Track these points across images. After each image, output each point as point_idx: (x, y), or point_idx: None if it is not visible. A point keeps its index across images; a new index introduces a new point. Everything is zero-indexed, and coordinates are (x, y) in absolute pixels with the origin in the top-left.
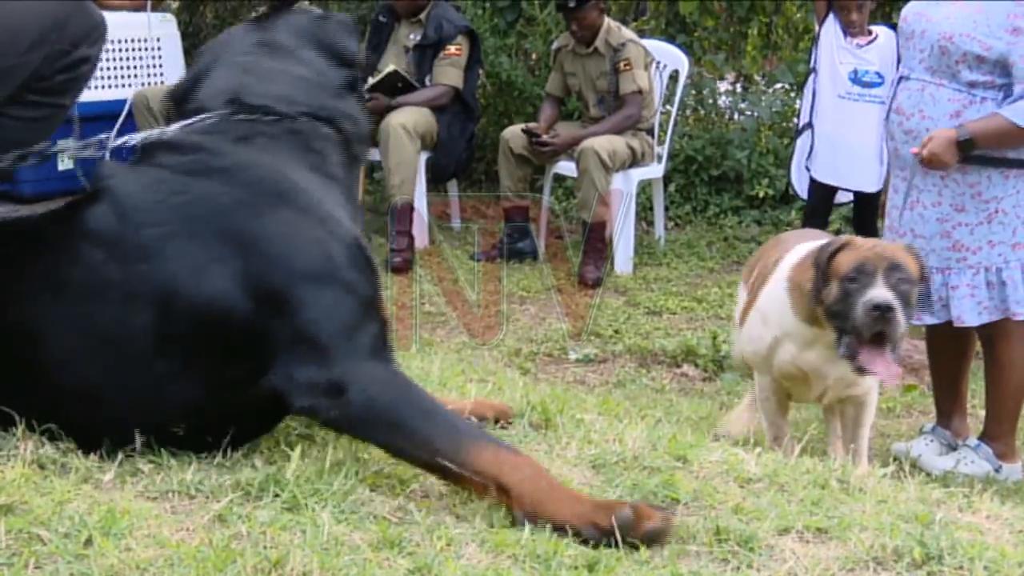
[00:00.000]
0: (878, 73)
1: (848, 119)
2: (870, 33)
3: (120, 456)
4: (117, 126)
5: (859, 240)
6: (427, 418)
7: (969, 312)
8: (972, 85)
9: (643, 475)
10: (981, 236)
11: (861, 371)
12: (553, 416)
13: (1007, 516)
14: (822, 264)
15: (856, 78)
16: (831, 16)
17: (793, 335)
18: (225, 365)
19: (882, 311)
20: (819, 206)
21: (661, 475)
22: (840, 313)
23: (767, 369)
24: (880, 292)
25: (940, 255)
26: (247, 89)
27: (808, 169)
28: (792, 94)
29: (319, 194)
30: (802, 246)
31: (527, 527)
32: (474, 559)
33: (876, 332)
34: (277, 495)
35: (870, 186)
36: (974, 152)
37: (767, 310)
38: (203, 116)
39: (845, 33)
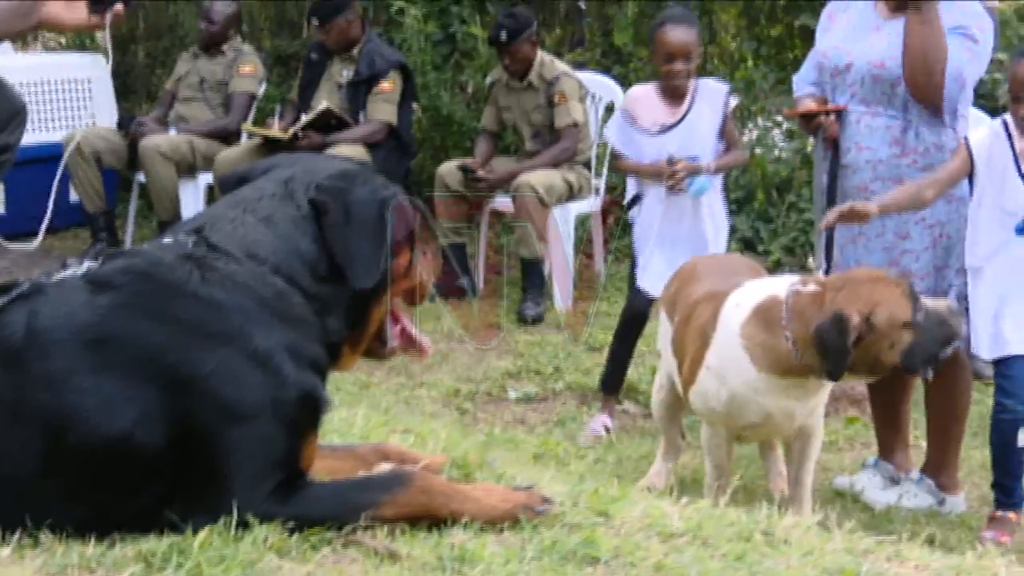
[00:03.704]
0: (692, 157)
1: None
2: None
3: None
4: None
5: (863, 293)
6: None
7: None
8: (906, 108)
9: (563, 532)
10: (927, 262)
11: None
12: (473, 472)
13: (936, 566)
14: (845, 344)
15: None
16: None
17: (759, 388)
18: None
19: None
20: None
21: (582, 532)
22: (922, 345)
23: (723, 422)
24: (938, 300)
25: None
26: (219, 228)
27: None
28: None
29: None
30: (739, 298)
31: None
32: None
33: None
34: (181, 564)
35: None
36: None
37: (722, 369)
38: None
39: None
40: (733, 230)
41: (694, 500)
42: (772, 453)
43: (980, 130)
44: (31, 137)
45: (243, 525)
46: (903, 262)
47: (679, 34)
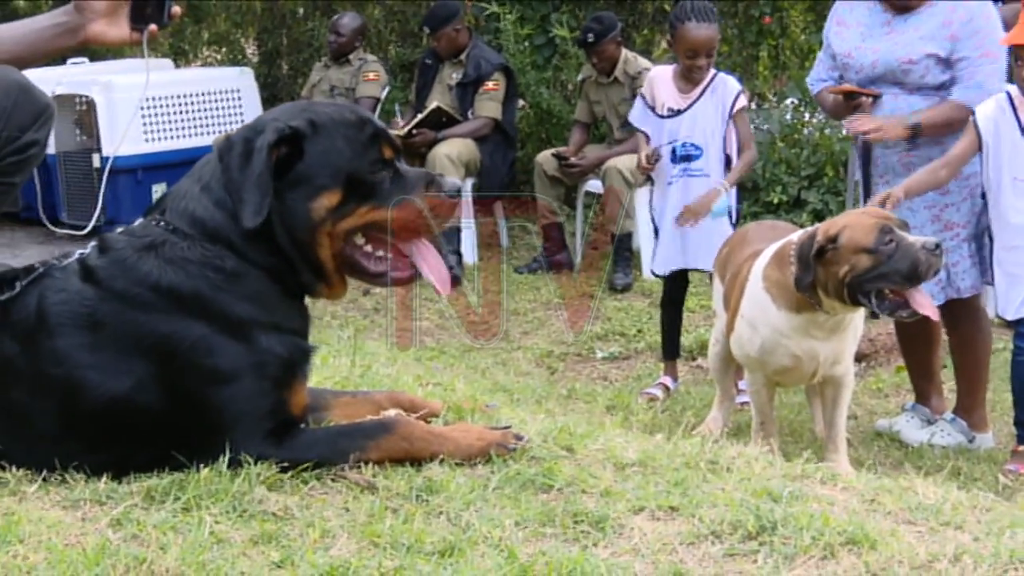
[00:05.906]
0: (694, 144)
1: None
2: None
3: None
4: None
5: (842, 219)
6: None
7: (975, 280)
8: (938, 88)
9: (526, 465)
10: (967, 211)
11: (913, 315)
12: (466, 415)
13: (860, 487)
14: (808, 254)
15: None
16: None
17: (783, 329)
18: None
19: (938, 249)
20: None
21: (543, 464)
22: (884, 274)
23: (759, 367)
24: (920, 236)
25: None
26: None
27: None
28: (801, 108)
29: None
30: (768, 251)
31: (400, 514)
32: (343, 549)
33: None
34: (178, 497)
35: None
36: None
37: (752, 315)
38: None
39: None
40: (804, 203)
41: (650, 435)
42: (817, 400)
43: (987, 104)
44: (191, 141)
45: (237, 463)
46: (945, 215)
47: (703, 30)
